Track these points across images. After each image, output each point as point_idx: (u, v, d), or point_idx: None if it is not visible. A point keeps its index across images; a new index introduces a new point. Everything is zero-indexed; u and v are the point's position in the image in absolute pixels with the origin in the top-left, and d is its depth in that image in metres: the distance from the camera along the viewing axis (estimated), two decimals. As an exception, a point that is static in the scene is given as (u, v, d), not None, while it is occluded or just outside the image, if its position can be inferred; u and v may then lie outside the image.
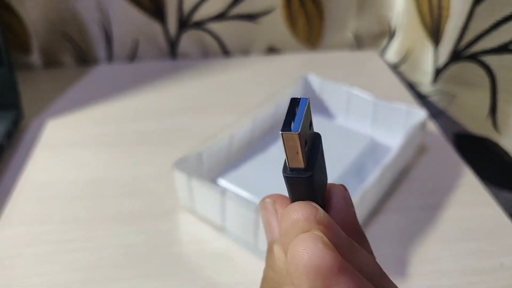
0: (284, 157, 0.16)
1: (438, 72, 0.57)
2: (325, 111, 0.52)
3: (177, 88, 0.59)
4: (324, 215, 0.16)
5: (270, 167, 0.44)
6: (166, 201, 0.41)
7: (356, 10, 0.66)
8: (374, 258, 0.18)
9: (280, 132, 0.15)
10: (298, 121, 0.15)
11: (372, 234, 0.38)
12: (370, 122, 0.49)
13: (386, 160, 0.38)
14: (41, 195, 0.42)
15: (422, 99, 0.61)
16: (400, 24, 0.65)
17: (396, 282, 0.35)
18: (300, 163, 0.16)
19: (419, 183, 0.44)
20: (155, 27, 0.63)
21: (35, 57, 0.62)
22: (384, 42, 0.69)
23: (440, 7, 0.54)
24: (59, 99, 0.56)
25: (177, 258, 0.36)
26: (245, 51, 0.68)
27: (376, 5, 0.66)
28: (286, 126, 0.15)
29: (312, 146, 0.17)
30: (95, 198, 0.42)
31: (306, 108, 0.16)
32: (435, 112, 0.60)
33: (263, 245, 0.35)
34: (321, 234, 0.15)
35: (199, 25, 0.64)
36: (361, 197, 0.35)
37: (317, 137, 0.18)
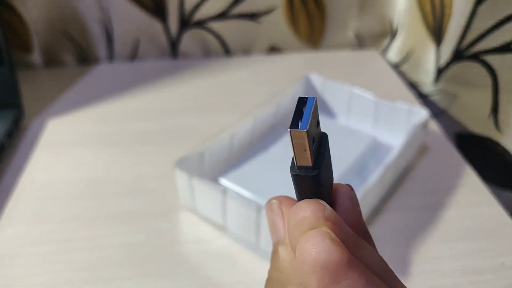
0: (292, 155, 0.16)
1: (440, 72, 0.57)
2: (327, 111, 0.52)
3: (178, 87, 0.59)
4: (332, 212, 0.16)
5: (271, 166, 0.44)
6: (167, 200, 0.41)
7: (358, 10, 0.66)
8: (379, 255, 0.18)
9: (289, 130, 0.15)
10: (306, 119, 0.16)
11: (374, 234, 0.38)
12: (372, 121, 0.48)
13: (388, 160, 0.38)
14: (42, 195, 0.42)
15: (424, 98, 0.61)
16: (402, 24, 0.65)
17: (397, 282, 0.35)
18: (308, 161, 0.16)
19: (420, 183, 0.44)
20: (156, 26, 0.63)
21: (36, 56, 0.62)
22: (386, 41, 0.69)
23: (442, 5, 0.54)
24: (60, 98, 0.56)
25: (178, 257, 0.36)
26: (247, 51, 0.67)
27: (377, 4, 0.66)
28: (294, 124, 0.16)
29: (319, 145, 0.17)
30: (95, 197, 0.41)
31: (313, 107, 0.16)
32: (437, 112, 0.60)
33: (264, 244, 0.35)
34: (328, 231, 0.15)
35: (201, 24, 0.63)
36: (363, 197, 0.35)
37: (324, 137, 0.18)
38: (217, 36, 0.65)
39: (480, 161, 0.53)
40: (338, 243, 0.15)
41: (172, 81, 0.60)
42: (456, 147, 0.50)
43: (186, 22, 0.63)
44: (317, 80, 0.51)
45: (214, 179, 0.42)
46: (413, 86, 0.63)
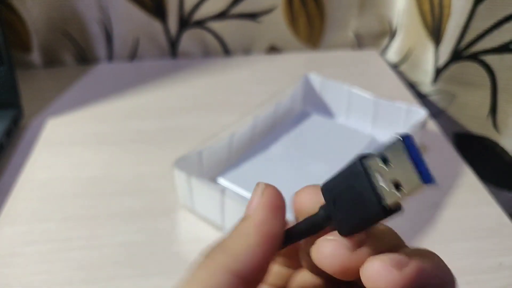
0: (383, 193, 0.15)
1: (438, 72, 0.57)
2: (326, 110, 0.52)
3: (178, 87, 0.59)
4: None
5: (270, 166, 0.44)
6: (166, 200, 0.41)
7: (357, 10, 0.66)
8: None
9: (423, 184, 0.14)
10: (427, 169, 0.14)
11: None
12: (371, 121, 0.49)
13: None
14: (41, 194, 0.42)
15: (422, 98, 0.61)
16: (401, 24, 0.65)
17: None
18: (401, 203, 0.15)
19: (419, 183, 0.44)
20: (156, 25, 0.63)
21: (36, 56, 0.62)
22: (385, 41, 0.69)
23: (441, 5, 0.54)
24: (59, 98, 0.57)
25: (177, 256, 0.36)
26: (246, 50, 0.68)
27: (377, 4, 0.66)
28: (424, 176, 0.14)
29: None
30: (95, 196, 0.42)
31: (417, 149, 0.15)
32: (436, 112, 0.60)
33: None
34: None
35: (200, 24, 0.64)
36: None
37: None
38: (217, 36, 0.65)
39: (478, 161, 0.53)
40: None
41: (171, 80, 0.61)
42: (454, 147, 0.50)
43: (185, 22, 0.63)
44: (316, 79, 0.51)
45: (213, 179, 0.42)
46: (412, 86, 0.63)
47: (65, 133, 0.50)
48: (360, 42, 0.69)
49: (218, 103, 0.56)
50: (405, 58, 0.65)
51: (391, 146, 0.15)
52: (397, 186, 0.15)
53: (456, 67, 0.55)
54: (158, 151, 0.47)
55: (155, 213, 0.40)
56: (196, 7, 0.62)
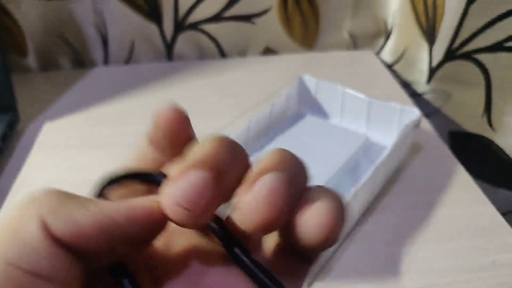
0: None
1: (433, 71, 0.58)
2: (320, 111, 0.52)
3: (174, 89, 0.59)
4: None
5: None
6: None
7: (352, 10, 0.66)
8: None
9: None
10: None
11: (367, 233, 0.39)
12: (365, 121, 0.49)
13: (378, 159, 0.39)
14: (37, 197, 0.42)
15: (418, 98, 0.61)
16: (396, 24, 0.65)
17: (390, 280, 0.35)
18: None
19: (413, 182, 0.44)
20: (151, 28, 0.63)
21: (32, 60, 0.62)
22: (380, 41, 0.69)
23: (435, 5, 0.55)
24: (56, 102, 0.57)
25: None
26: (241, 52, 0.68)
27: (371, 5, 0.66)
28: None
29: None
30: (90, 199, 0.42)
31: None
32: (431, 111, 0.60)
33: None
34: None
35: (195, 26, 0.64)
36: (354, 196, 0.35)
37: None
38: (212, 38, 0.65)
39: (474, 159, 0.53)
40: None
41: (167, 83, 0.61)
42: (450, 145, 0.50)
43: (180, 24, 0.63)
44: (310, 80, 0.51)
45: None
46: (407, 86, 0.63)
47: (62, 136, 0.50)
48: (355, 43, 0.69)
49: (214, 104, 0.56)
50: (400, 58, 0.65)
51: None
52: None
53: (450, 66, 0.55)
54: (153, 153, 0.47)
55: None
56: (191, 9, 0.62)
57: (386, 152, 0.39)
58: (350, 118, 0.50)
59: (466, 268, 0.35)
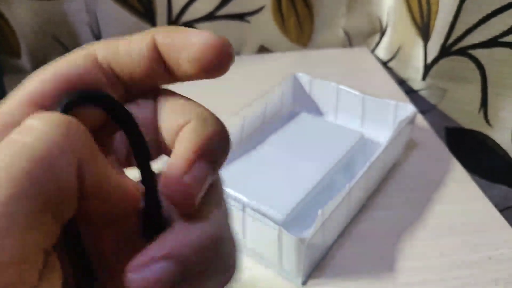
0: None
1: (429, 68, 0.57)
2: (315, 109, 0.52)
3: (168, 88, 0.59)
4: None
5: (259, 166, 0.43)
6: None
7: (346, 8, 0.66)
8: None
9: None
10: None
11: (362, 230, 0.38)
12: (360, 118, 0.48)
13: (373, 156, 0.38)
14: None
15: (413, 94, 0.61)
16: (390, 21, 0.65)
17: (386, 277, 0.35)
18: None
19: (409, 178, 0.44)
20: (145, 28, 0.63)
21: (25, 61, 0.62)
22: (375, 39, 0.69)
23: (429, 2, 0.54)
24: (49, 102, 0.56)
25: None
26: (236, 51, 0.67)
27: (366, 2, 0.66)
28: None
29: None
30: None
31: None
32: (427, 107, 0.60)
33: (250, 243, 0.35)
34: None
35: (189, 25, 0.63)
36: (349, 193, 0.35)
37: None
38: (206, 37, 0.65)
39: (470, 155, 0.53)
40: None
41: (161, 82, 0.60)
42: (446, 141, 0.50)
43: (174, 24, 0.63)
44: (304, 78, 0.51)
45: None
46: (403, 83, 0.63)
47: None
48: (350, 40, 0.69)
49: (208, 103, 0.55)
50: (395, 55, 0.64)
51: None
52: None
53: (446, 62, 0.55)
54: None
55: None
56: (185, 8, 0.62)
57: (381, 149, 0.39)
58: (345, 115, 0.50)
59: (461, 264, 0.35)
